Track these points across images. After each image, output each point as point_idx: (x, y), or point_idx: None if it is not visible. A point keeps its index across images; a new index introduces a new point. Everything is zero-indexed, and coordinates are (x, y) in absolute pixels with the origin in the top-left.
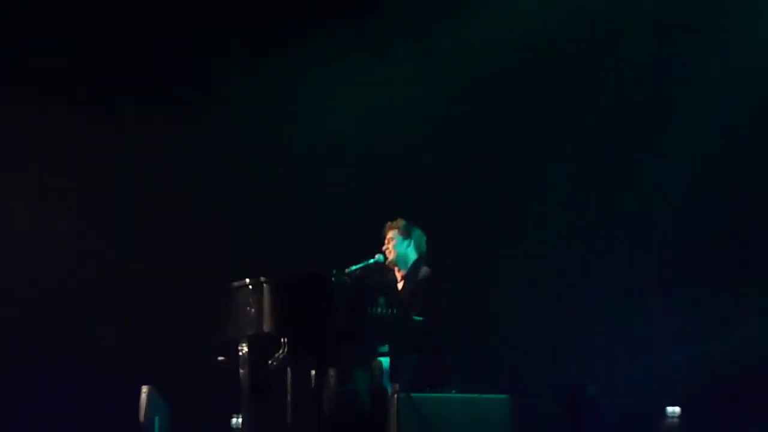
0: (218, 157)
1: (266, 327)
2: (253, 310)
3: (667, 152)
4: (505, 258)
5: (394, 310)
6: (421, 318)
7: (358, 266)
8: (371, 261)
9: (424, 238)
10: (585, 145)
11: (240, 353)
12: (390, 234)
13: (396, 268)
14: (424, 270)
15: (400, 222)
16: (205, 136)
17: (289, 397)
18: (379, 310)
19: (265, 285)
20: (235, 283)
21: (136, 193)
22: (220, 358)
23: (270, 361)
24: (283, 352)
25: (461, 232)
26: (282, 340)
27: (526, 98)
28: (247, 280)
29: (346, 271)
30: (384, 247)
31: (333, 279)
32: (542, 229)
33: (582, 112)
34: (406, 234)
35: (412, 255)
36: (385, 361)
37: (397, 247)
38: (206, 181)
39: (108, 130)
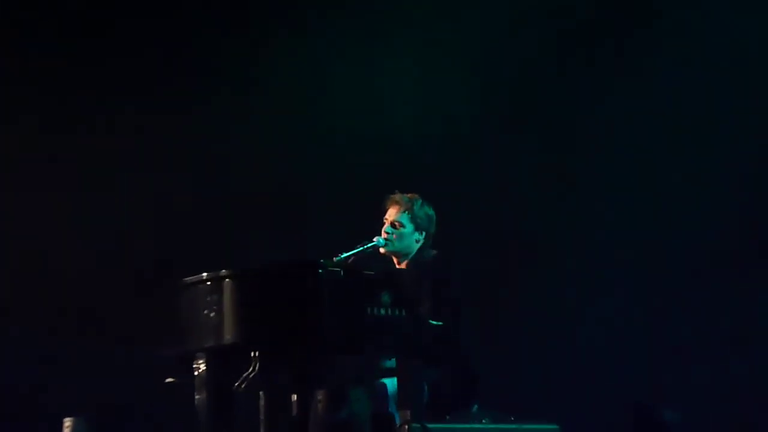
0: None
1: (230, 336)
2: (212, 314)
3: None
4: (547, 257)
5: (404, 311)
6: (439, 323)
7: (353, 252)
8: (369, 245)
9: (434, 221)
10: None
11: (196, 372)
12: (395, 213)
13: (395, 258)
14: (429, 253)
15: (413, 200)
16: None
17: (262, 429)
18: (382, 310)
19: (227, 281)
20: (188, 280)
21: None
22: (169, 379)
23: (237, 384)
24: (253, 370)
25: (491, 232)
26: (252, 353)
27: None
28: (204, 275)
29: (337, 258)
30: (385, 229)
31: (320, 269)
32: (586, 229)
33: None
34: (420, 222)
35: (418, 245)
36: (391, 380)
37: (406, 239)
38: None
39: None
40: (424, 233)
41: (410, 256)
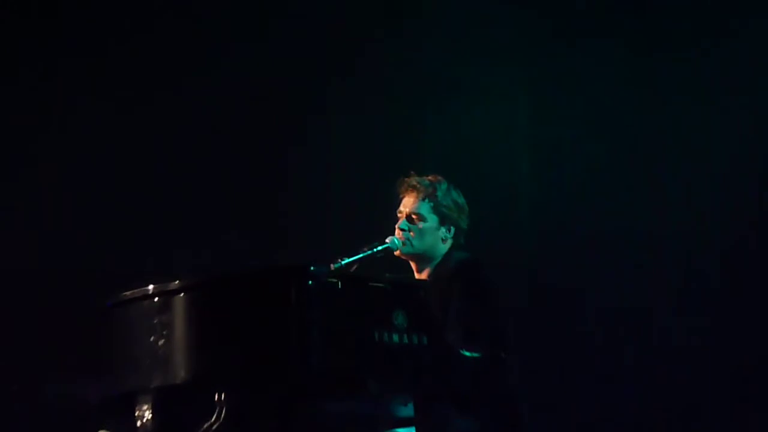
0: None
1: (185, 372)
2: (161, 341)
3: None
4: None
5: (425, 338)
6: (475, 354)
7: (358, 256)
8: (379, 248)
9: (466, 212)
10: None
11: (138, 422)
12: (412, 202)
13: (414, 265)
14: (461, 256)
15: (436, 184)
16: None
17: None
18: (396, 336)
19: (181, 295)
20: (128, 294)
21: None
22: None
23: None
24: (218, 419)
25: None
26: (216, 396)
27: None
28: (150, 288)
29: (335, 265)
30: (399, 225)
31: (309, 278)
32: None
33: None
34: (447, 212)
35: (443, 245)
36: None
37: (428, 236)
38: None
39: None
40: (452, 228)
41: (435, 262)
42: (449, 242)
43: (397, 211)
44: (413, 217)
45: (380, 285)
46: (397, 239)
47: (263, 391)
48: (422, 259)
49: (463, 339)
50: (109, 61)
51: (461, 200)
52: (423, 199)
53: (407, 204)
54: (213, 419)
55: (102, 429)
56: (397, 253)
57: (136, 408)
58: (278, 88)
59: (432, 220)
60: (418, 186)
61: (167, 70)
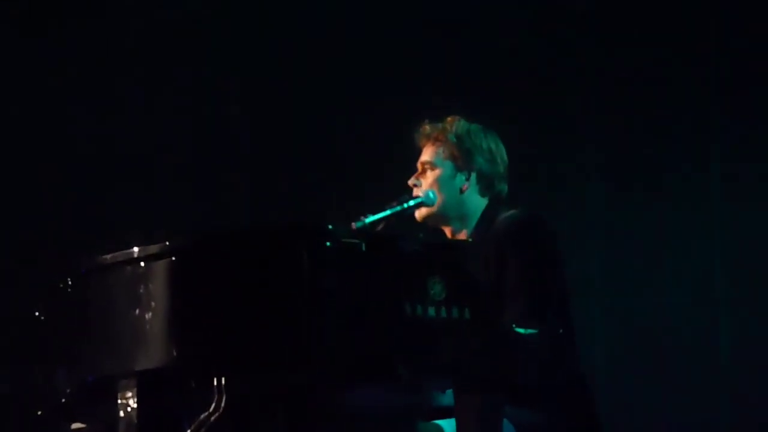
0: None
1: (177, 352)
2: (147, 315)
3: None
4: None
5: (467, 310)
6: (533, 330)
7: (386, 213)
8: (411, 202)
9: (498, 156)
10: None
11: (121, 412)
12: (427, 153)
13: (444, 228)
14: (507, 213)
15: (452, 124)
16: None
17: None
18: (431, 309)
19: (171, 259)
20: (107, 258)
21: None
22: (76, 425)
23: (191, 430)
24: (217, 408)
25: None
26: (214, 380)
27: None
28: (135, 251)
29: (358, 223)
30: (411, 182)
31: (325, 238)
32: None
33: None
34: (465, 154)
35: (479, 199)
36: (447, 424)
37: (443, 187)
38: None
39: None
40: (471, 174)
41: (471, 221)
42: (474, 192)
43: (419, 164)
44: (424, 167)
45: (413, 247)
46: (431, 192)
47: (270, 376)
48: (448, 219)
49: (520, 314)
50: None
51: (491, 143)
52: (435, 144)
53: (424, 153)
54: (212, 409)
55: (75, 423)
56: (419, 217)
57: (118, 395)
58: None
59: (446, 167)
60: (431, 132)
61: None
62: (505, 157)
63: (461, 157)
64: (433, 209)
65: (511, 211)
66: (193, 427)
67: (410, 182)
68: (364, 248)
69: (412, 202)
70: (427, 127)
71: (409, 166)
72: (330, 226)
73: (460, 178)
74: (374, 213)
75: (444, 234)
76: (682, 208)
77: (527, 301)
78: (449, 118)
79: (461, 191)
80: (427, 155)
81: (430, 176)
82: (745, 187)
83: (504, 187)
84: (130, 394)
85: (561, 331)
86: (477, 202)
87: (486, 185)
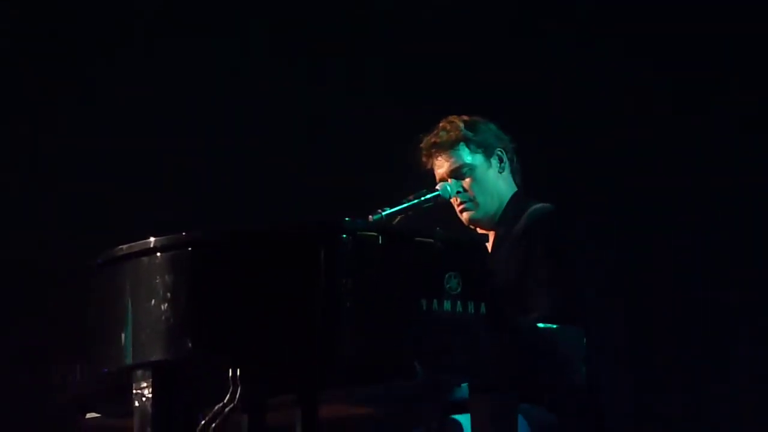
0: None
1: (193, 343)
2: (163, 305)
3: None
4: None
5: (483, 306)
6: (551, 325)
7: (403, 206)
8: (428, 196)
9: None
10: None
11: (136, 402)
12: (446, 158)
13: (480, 227)
14: (532, 207)
15: (454, 122)
16: None
17: None
18: (447, 304)
19: (189, 251)
20: (124, 249)
21: None
22: (91, 414)
23: (206, 421)
24: (232, 400)
25: None
26: (230, 372)
27: None
28: (152, 241)
29: (375, 216)
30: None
31: (342, 233)
32: None
33: None
34: (486, 140)
35: (507, 186)
36: (465, 419)
37: (488, 182)
38: None
39: None
40: (503, 155)
41: (502, 205)
42: (507, 175)
43: (437, 184)
44: (459, 172)
45: (429, 240)
46: (449, 185)
47: (286, 369)
48: (495, 216)
49: (545, 309)
50: None
51: (491, 125)
52: (454, 147)
53: (441, 165)
54: (226, 400)
55: (91, 411)
56: (465, 220)
57: (133, 386)
58: None
59: (478, 160)
60: (441, 140)
61: None
62: (505, 140)
63: (485, 142)
64: (482, 215)
65: (540, 204)
66: (207, 418)
67: (452, 199)
68: (381, 241)
69: (429, 196)
70: (433, 138)
71: None
72: (346, 219)
73: (495, 164)
74: (391, 206)
75: (463, 227)
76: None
77: (553, 299)
78: (441, 123)
79: (500, 175)
80: (448, 163)
81: (472, 176)
82: None
83: (519, 177)
84: (145, 385)
85: (583, 330)
86: (507, 189)
87: (512, 168)
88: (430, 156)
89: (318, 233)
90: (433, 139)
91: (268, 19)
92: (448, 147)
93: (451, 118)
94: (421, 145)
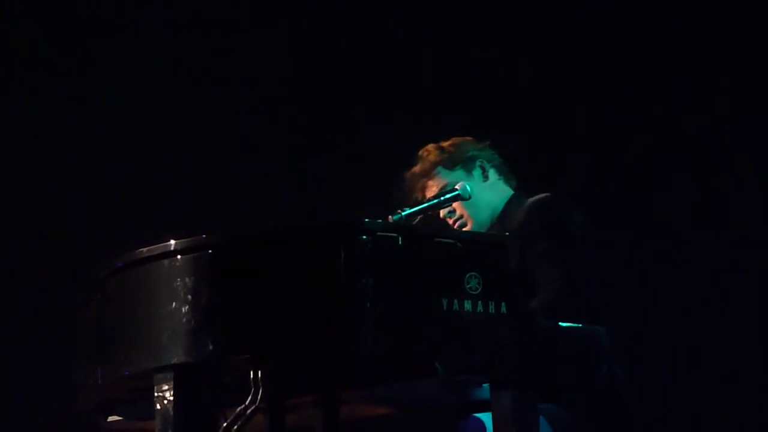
0: None
1: (214, 346)
2: (184, 308)
3: None
4: None
5: (503, 305)
6: (576, 324)
7: (422, 206)
8: (447, 195)
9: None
10: None
11: (157, 405)
12: (434, 185)
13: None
14: (531, 202)
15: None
16: None
17: None
18: (468, 304)
19: (209, 253)
20: (144, 252)
21: None
22: (112, 418)
23: (227, 423)
24: (254, 402)
25: None
26: (252, 372)
27: None
28: (172, 244)
29: (394, 216)
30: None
31: (362, 234)
32: None
33: None
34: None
35: (497, 193)
36: (487, 418)
37: (476, 197)
38: None
39: None
40: (476, 168)
41: (496, 211)
42: (495, 182)
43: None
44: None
45: (449, 241)
46: (468, 184)
47: (307, 370)
48: (491, 220)
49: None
50: None
51: (467, 140)
52: (433, 172)
53: (430, 191)
54: (248, 402)
55: (112, 414)
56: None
57: (155, 388)
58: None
59: (458, 177)
60: (420, 169)
61: None
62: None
63: (460, 159)
64: (476, 228)
65: (539, 195)
66: (229, 420)
67: (450, 221)
68: (400, 242)
69: (448, 195)
70: (416, 170)
71: None
72: (366, 220)
73: (477, 174)
74: (411, 206)
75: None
76: None
77: (551, 290)
78: (419, 153)
79: (485, 185)
80: (432, 189)
81: (458, 196)
82: None
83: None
84: (166, 388)
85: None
86: (498, 196)
87: (501, 173)
88: (416, 188)
89: (338, 234)
90: (413, 170)
91: (287, 20)
92: (428, 174)
93: (427, 146)
94: (405, 179)
